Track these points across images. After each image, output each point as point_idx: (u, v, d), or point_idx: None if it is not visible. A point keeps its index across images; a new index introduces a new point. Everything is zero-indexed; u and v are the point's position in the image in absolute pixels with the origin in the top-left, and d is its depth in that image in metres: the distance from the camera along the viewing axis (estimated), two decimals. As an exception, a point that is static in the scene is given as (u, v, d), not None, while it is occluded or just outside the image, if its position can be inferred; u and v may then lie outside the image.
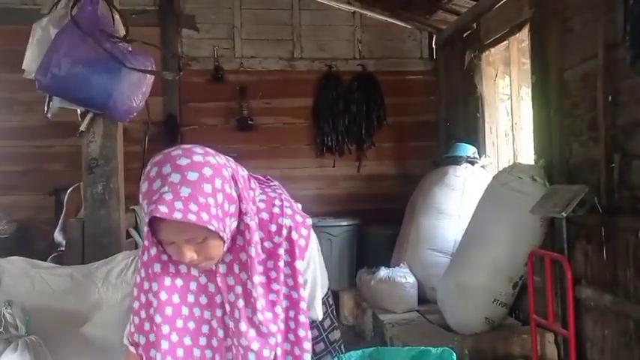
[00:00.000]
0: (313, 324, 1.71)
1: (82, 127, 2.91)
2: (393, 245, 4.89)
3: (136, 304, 1.49)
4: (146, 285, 1.46)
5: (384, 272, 4.38)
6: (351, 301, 4.87)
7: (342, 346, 1.77)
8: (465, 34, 4.96)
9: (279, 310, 1.43)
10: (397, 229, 4.93)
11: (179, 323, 1.42)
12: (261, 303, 1.40)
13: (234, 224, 1.38)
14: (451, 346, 3.29)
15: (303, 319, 1.47)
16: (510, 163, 4.08)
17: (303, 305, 1.47)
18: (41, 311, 2.57)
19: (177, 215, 1.25)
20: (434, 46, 5.77)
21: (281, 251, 1.45)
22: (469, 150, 4.67)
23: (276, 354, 1.45)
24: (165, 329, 1.41)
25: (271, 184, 1.59)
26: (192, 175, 1.28)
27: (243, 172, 1.47)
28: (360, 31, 5.77)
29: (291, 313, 1.46)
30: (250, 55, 5.62)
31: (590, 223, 3.06)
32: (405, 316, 4.13)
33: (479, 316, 3.54)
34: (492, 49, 4.59)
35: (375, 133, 5.68)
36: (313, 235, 1.53)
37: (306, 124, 5.67)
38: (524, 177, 3.46)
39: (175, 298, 1.42)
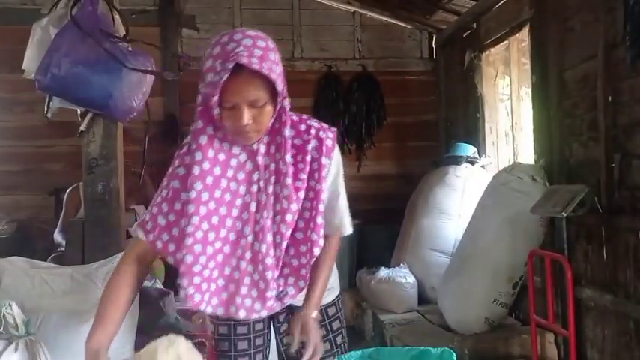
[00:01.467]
0: (323, 322, 1.74)
1: (82, 127, 2.91)
2: (393, 245, 4.88)
3: (164, 193, 1.56)
4: (181, 171, 1.54)
5: (384, 272, 4.38)
6: (351, 301, 4.87)
7: (346, 347, 1.79)
8: (465, 34, 4.96)
9: (301, 195, 1.57)
10: (397, 229, 4.92)
11: (217, 193, 1.52)
12: (288, 181, 1.54)
13: (284, 101, 1.52)
14: (451, 346, 3.30)
15: (321, 207, 1.59)
16: (510, 163, 4.08)
17: (323, 196, 1.60)
18: (41, 311, 2.56)
19: (256, 65, 1.40)
20: (434, 46, 5.77)
21: (309, 147, 1.59)
22: (469, 150, 4.67)
23: (295, 239, 1.58)
24: (205, 196, 1.50)
25: None
26: (261, 43, 1.45)
27: None
28: (360, 31, 5.77)
29: (311, 204, 1.59)
30: (250, 55, 5.61)
31: (590, 223, 3.06)
32: (405, 316, 4.13)
33: (479, 316, 3.54)
34: (492, 49, 4.59)
35: (375, 133, 5.68)
36: (337, 147, 1.67)
37: (306, 124, 5.66)
38: (524, 177, 3.46)
39: (217, 170, 1.52)
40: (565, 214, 2.96)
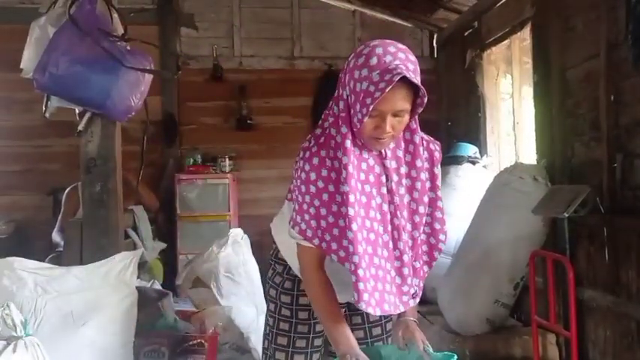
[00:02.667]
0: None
1: (80, 127, 2.89)
2: (394, 245, 4.86)
3: (315, 197, 1.63)
4: (333, 175, 1.62)
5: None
6: (351, 302, 4.85)
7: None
8: (466, 33, 4.94)
9: (425, 199, 1.70)
10: (397, 229, 4.90)
11: (358, 195, 1.61)
12: (418, 184, 1.68)
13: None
14: (452, 347, 3.29)
15: (439, 214, 1.73)
16: (512, 163, 4.06)
17: (439, 204, 1.73)
18: (39, 312, 2.55)
19: (415, 79, 1.51)
20: (435, 44, 5.75)
21: (424, 157, 1.71)
22: (470, 150, 4.65)
23: (415, 240, 1.69)
24: (352, 198, 1.58)
25: None
26: (412, 57, 1.57)
27: None
28: (361, 30, 5.75)
29: (429, 210, 1.71)
30: (250, 54, 5.60)
31: (592, 223, 3.04)
32: (405, 316, 4.11)
33: (480, 317, 3.52)
34: (494, 48, 4.57)
35: (376, 133, 5.66)
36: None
37: (305, 123, 5.63)
38: (526, 177, 3.44)
39: (355, 174, 1.61)
40: (567, 215, 2.95)
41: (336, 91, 1.68)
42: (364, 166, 1.63)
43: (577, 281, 3.06)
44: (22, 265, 2.71)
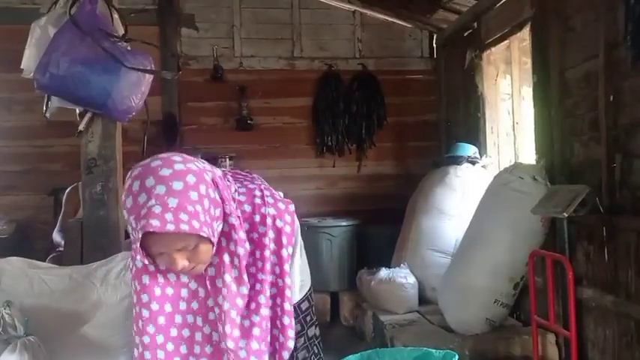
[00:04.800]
0: (297, 318, 1.72)
1: (81, 127, 2.89)
2: (394, 245, 4.87)
3: (135, 311, 1.48)
4: (136, 297, 1.45)
5: (384, 273, 4.37)
6: (351, 302, 4.86)
7: (321, 344, 1.77)
8: (466, 34, 4.95)
9: (262, 299, 1.46)
10: (397, 230, 4.91)
11: (173, 332, 1.43)
12: (243, 301, 1.42)
13: (220, 227, 1.41)
14: (452, 346, 3.29)
15: (287, 306, 1.49)
16: (511, 163, 4.07)
17: (288, 293, 1.49)
18: (40, 312, 2.55)
19: (170, 227, 1.26)
20: (434, 45, 5.76)
21: (267, 240, 1.47)
22: (470, 150, 4.66)
23: (260, 347, 1.46)
24: (160, 339, 1.41)
25: (249, 176, 1.61)
26: (177, 185, 1.30)
27: (219, 172, 1.47)
28: (360, 31, 5.76)
29: (278, 301, 1.49)
30: (250, 54, 5.60)
31: (592, 223, 3.05)
32: (405, 316, 4.12)
33: (480, 316, 3.53)
34: (493, 49, 4.58)
35: (376, 133, 5.67)
36: (297, 221, 1.55)
37: (305, 123, 5.65)
38: (526, 177, 3.45)
39: (168, 307, 1.43)
40: (566, 215, 2.95)
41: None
42: (184, 293, 1.45)
43: (576, 281, 3.07)
44: (22, 264, 2.71)
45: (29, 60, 2.73)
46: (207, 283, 1.43)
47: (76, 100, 2.78)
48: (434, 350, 1.50)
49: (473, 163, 4.61)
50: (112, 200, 2.92)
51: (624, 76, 2.80)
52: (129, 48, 2.86)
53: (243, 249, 1.43)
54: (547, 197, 3.25)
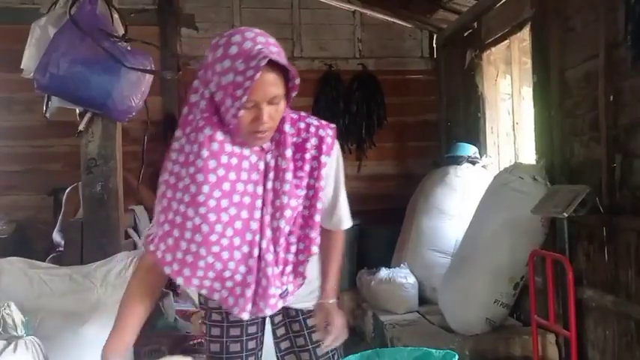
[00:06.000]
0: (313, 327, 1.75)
1: (81, 127, 2.90)
2: (394, 246, 4.87)
3: (171, 205, 1.51)
4: (191, 187, 1.49)
5: (384, 273, 4.37)
6: (352, 302, 4.86)
7: (342, 352, 1.81)
8: (466, 34, 4.94)
9: (300, 192, 1.59)
10: (397, 230, 4.91)
11: (236, 198, 1.51)
12: (288, 176, 1.55)
13: None
14: (452, 346, 3.29)
15: (319, 205, 1.61)
16: (511, 163, 4.07)
17: (321, 195, 1.62)
18: (40, 312, 2.56)
19: (283, 61, 1.44)
20: (434, 45, 5.75)
21: (308, 145, 1.60)
22: (470, 150, 4.66)
23: (292, 235, 1.59)
24: (224, 203, 1.49)
25: None
26: (272, 40, 1.48)
27: None
28: (361, 31, 5.76)
29: (308, 203, 1.61)
30: (250, 54, 5.60)
31: (592, 223, 3.05)
32: (405, 316, 4.12)
33: (480, 316, 3.53)
34: (493, 49, 4.58)
35: (376, 133, 5.66)
36: (337, 143, 1.67)
37: (306, 123, 5.65)
38: (526, 177, 3.44)
39: (232, 175, 1.50)
40: (566, 215, 2.95)
41: (191, 96, 1.53)
42: (246, 164, 1.52)
43: (576, 281, 3.06)
44: (22, 264, 2.72)
45: (29, 60, 2.74)
46: (268, 156, 1.54)
47: (76, 100, 2.78)
48: (434, 350, 1.51)
49: (473, 163, 4.61)
50: (112, 200, 2.93)
51: (624, 76, 2.80)
52: (129, 48, 2.86)
53: (288, 126, 1.58)
54: (547, 197, 3.25)
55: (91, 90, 2.67)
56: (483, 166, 4.62)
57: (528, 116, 4.05)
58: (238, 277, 1.55)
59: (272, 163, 1.55)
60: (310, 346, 1.78)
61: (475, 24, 4.74)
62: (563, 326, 3.15)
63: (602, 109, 2.94)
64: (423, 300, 4.31)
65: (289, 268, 1.61)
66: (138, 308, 1.61)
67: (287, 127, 1.57)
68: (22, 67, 2.78)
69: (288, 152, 1.56)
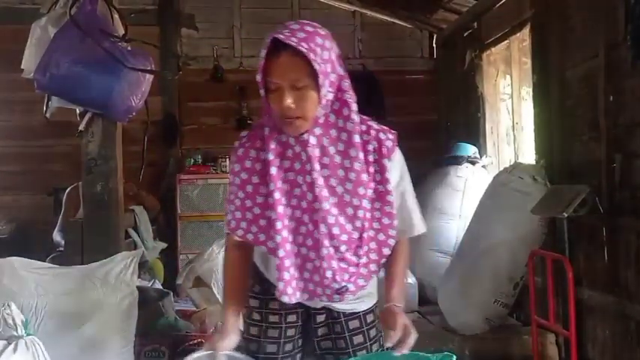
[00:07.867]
0: (361, 329, 1.79)
1: (81, 127, 2.90)
2: (394, 245, 4.86)
3: (234, 188, 1.61)
4: (258, 166, 1.58)
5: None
6: (351, 302, 4.85)
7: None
8: (466, 34, 4.95)
9: (368, 192, 1.58)
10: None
11: (279, 184, 1.56)
12: (352, 175, 1.56)
13: (331, 95, 1.53)
14: (451, 346, 3.30)
15: (388, 209, 1.60)
16: (511, 163, 4.07)
17: (389, 198, 1.60)
18: (40, 312, 2.56)
19: (293, 40, 1.43)
20: (434, 45, 5.76)
21: (369, 148, 1.61)
22: (470, 150, 4.66)
23: (362, 237, 1.59)
24: (272, 186, 1.55)
25: None
26: (309, 27, 1.50)
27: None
28: (360, 31, 5.76)
29: (377, 205, 1.60)
30: (250, 54, 5.59)
31: (592, 223, 3.05)
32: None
33: (480, 316, 3.53)
34: (493, 49, 4.58)
35: (375, 133, 5.66)
36: (398, 149, 1.69)
37: (306, 123, 5.65)
38: (525, 177, 3.45)
39: (277, 162, 1.56)
40: (566, 215, 2.95)
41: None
42: (289, 152, 1.57)
43: (576, 281, 3.07)
44: (22, 264, 2.72)
45: (29, 60, 2.74)
46: (309, 148, 1.54)
47: (76, 101, 2.78)
48: (430, 355, 1.48)
49: (473, 163, 4.61)
50: (112, 200, 2.92)
51: (624, 76, 2.80)
52: (129, 48, 2.86)
53: (352, 124, 1.57)
54: (547, 197, 3.25)
55: (91, 90, 2.67)
56: (483, 166, 4.62)
57: (528, 116, 4.05)
58: (299, 261, 1.58)
59: (338, 159, 1.56)
60: (351, 349, 1.77)
61: (475, 24, 4.74)
62: (563, 326, 3.15)
63: (602, 109, 2.94)
64: (423, 300, 4.31)
65: (354, 269, 1.61)
66: (239, 272, 1.69)
67: (349, 125, 1.57)
68: (22, 67, 2.78)
69: (353, 152, 1.57)
